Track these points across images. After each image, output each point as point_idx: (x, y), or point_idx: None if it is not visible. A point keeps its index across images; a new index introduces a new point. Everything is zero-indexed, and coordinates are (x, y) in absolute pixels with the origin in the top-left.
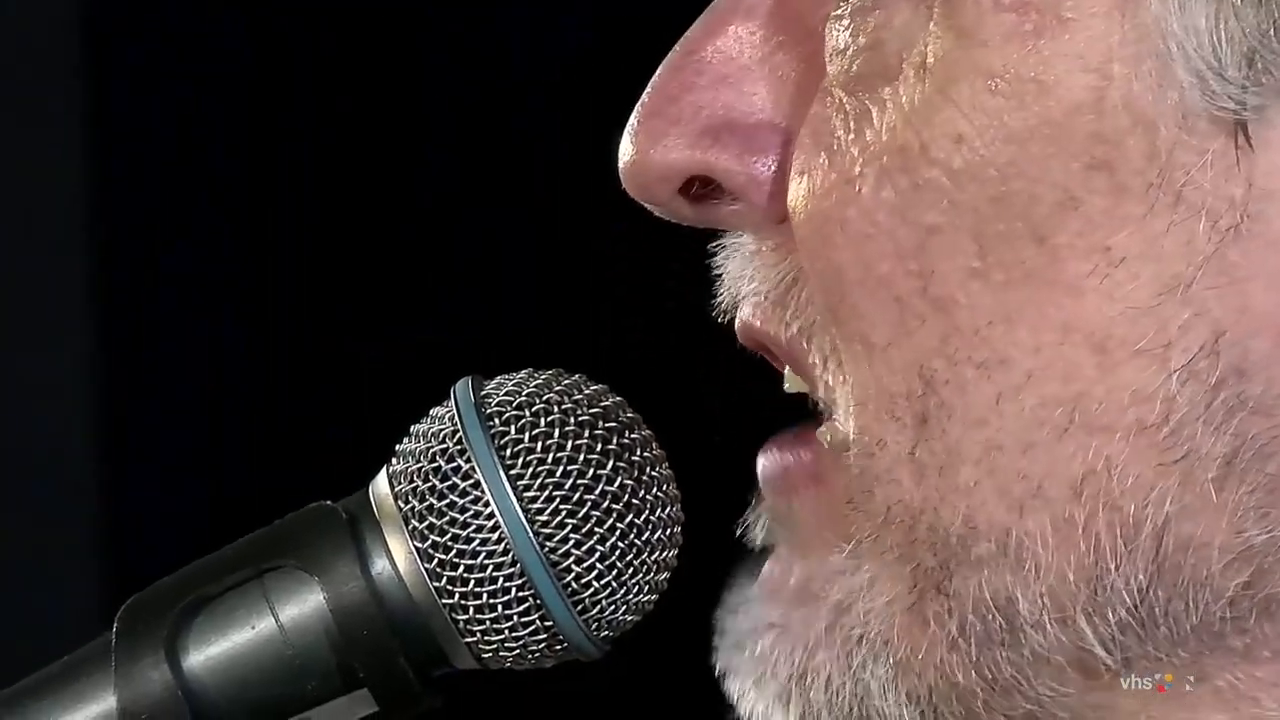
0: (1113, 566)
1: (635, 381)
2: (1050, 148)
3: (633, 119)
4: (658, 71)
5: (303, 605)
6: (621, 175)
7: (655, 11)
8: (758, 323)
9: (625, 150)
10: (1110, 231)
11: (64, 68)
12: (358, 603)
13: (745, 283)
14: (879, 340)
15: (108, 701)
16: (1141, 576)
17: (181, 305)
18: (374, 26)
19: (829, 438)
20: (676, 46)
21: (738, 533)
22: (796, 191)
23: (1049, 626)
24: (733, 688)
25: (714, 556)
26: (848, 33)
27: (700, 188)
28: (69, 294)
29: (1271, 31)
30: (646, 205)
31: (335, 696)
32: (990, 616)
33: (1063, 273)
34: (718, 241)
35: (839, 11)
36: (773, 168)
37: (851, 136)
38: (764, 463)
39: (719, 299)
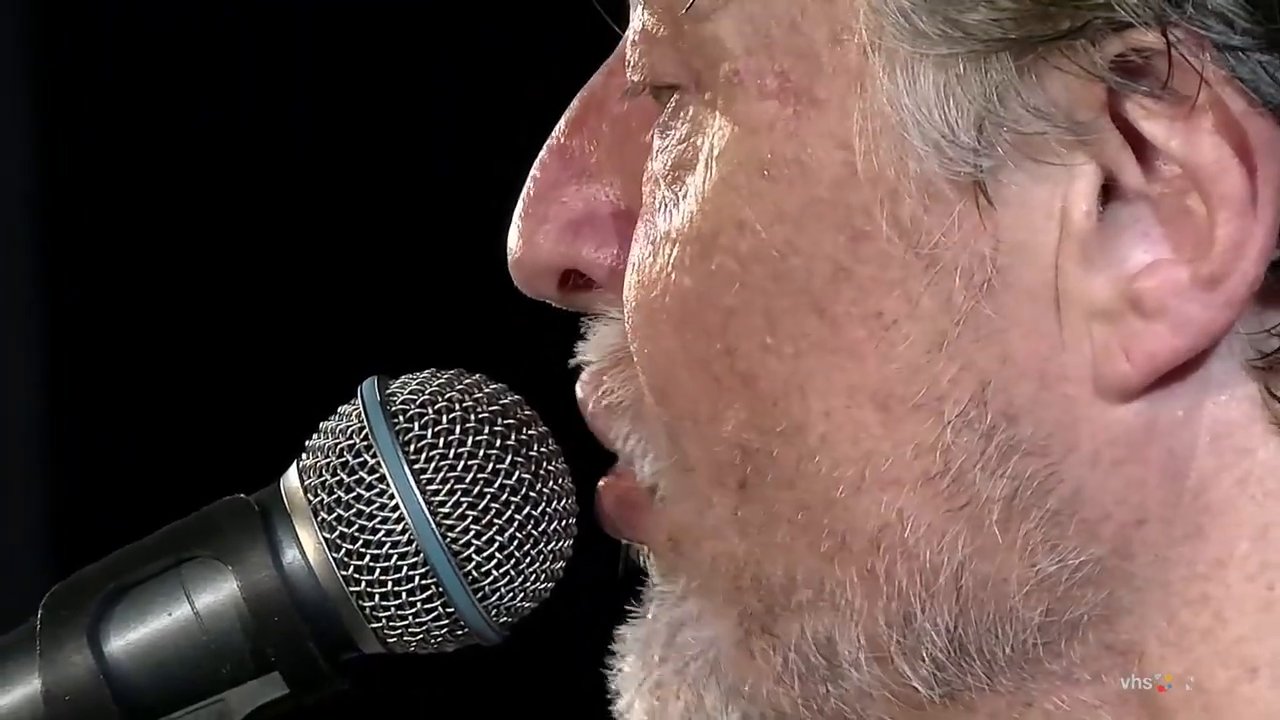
0: (919, 610)
1: (531, 379)
2: (818, 224)
3: (514, 217)
4: (533, 166)
5: (217, 593)
6: (509, 271)
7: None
8: (579, 393)
9: (509, 248)
10: (880, 297)
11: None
12: (269, 591)
13: (585, 351)
14: (703, 415)
15: (32, 684)
16: (947, 617)
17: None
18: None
19: (643, 483)
20: (546, 144)
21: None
22: (628, 285)
23: (865, 665)
24: (619, 703)
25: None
26: (667, 125)
27: (577, 278)
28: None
29: (995, 97)
30: (535, 297)
31: (248, 679)
32: (813, 656)
33: (844, 340)
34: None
35: (665, 108)
36: (625, 254)
37: (666, 228)
38: (599, 492)
39: (576, 354)
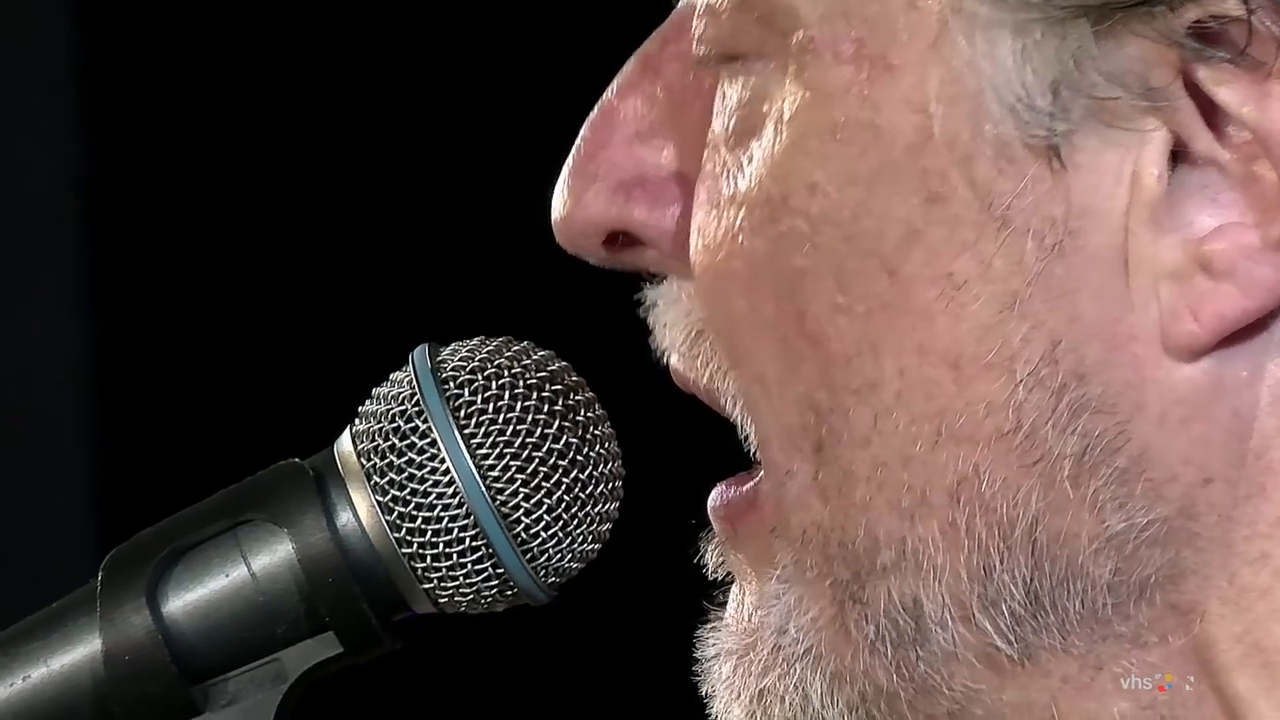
0: (998, 562)
1: (578, 346)
2: (890, 186)
3: (561, 175)
4: (582, 129)
5: (273, 555)
6: (554, 229)
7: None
8: (682, 369)
9: (555, 206)
10: (951, 258)
11: (55, 62)
12: (324, 553)
13: (668, 330)
14: (772, 378)
15: (93, 644)
16: (1024, 569)
17: (172, 291)
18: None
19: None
20: (597, 105)
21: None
22: (694, 248)
23: (951, 624)
24: (714, 707)
25: (655, 516)
26: (728, 91)
27: (625, 238)
28: (62, 279)
29: (1071, 62)
30: (578, 255)
31: (303, 639)
32: (901, 619)
33: (915, 300)
34: (648, 287)
35: (725, 73)
36: (679, 218)
37: (731, 192)
38: (713, 495)
39: (654, 345)
